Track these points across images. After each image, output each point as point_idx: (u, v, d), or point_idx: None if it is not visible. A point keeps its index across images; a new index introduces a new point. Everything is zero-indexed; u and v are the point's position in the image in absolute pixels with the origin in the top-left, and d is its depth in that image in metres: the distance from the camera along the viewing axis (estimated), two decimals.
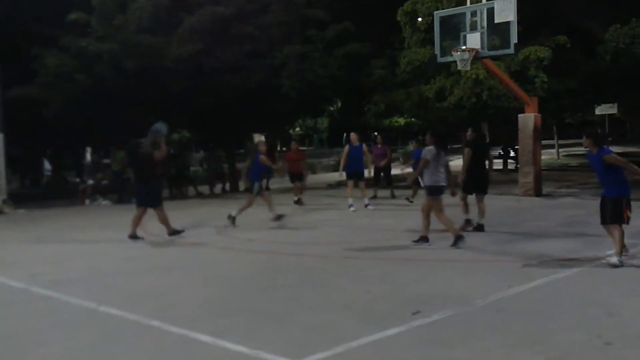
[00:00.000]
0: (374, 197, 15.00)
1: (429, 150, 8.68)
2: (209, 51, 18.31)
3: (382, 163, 15.86)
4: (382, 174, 16.10)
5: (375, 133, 28.38)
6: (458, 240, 8.50)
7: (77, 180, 20.12)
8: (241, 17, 19.00)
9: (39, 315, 5.89)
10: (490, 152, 11.01)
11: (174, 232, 10.27)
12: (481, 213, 9.94)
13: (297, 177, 15.64)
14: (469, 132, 10.45)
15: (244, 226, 11.46)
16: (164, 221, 10.20)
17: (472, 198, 10.10)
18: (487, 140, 12.12)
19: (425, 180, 8.78)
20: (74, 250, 9.76)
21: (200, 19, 17.93)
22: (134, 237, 10.06)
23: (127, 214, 11.35)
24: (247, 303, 6.05)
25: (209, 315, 5.65)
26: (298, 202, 15.12)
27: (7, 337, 5.26)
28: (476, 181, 9.94)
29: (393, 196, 15.43)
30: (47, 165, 26.33)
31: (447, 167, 8.82)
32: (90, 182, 17.37)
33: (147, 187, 10.08)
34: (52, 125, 17.57)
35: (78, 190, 18.06)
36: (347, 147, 13.96)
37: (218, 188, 20.31)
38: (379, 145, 16.47)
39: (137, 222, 10.10)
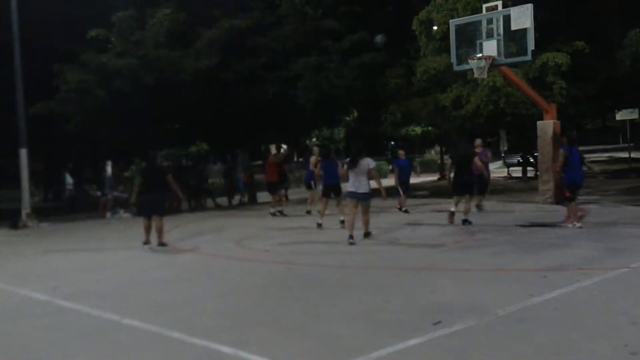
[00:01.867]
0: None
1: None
2: (226, 64, 18.48)
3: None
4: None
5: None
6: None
7: (99, 193, 20.37)
8: (257, 30, 19.17)
9: (62, 327, 5.95)
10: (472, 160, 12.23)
11: (163, 244, 10.61)
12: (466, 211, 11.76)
13: (274, 187, 15.58)
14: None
15: (260, 237, 11.50)
16: (160, 230, 10.60)
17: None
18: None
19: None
20: (96, 262, 9.87)
21: (217, 33, 18.11)
22: (162, 244, 10.58)
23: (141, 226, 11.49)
24: (266, 314, 6.06)
25: (229, 326, 5.67)
26: (280, 212, 15.28)
27: (31, 349, 5.32)
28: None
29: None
30: (68, 179, 26.69)
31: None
32: (112, 194, 17.56)
33: (160, 196, 10.74)
34: (73, 139, 17.85)
35: (99, 203, 18.28)
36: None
37: (237, 199, 20.41)
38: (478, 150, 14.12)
39: (161, 230, 10.60)
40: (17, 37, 16.02)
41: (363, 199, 10.06)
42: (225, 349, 4.95)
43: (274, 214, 15.14)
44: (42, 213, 17.73)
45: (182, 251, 10.44)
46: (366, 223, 10.36)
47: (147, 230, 10.65)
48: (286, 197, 19.50)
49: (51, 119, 17.15)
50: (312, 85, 19.19)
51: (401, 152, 15.39)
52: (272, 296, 6.83)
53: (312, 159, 14.17)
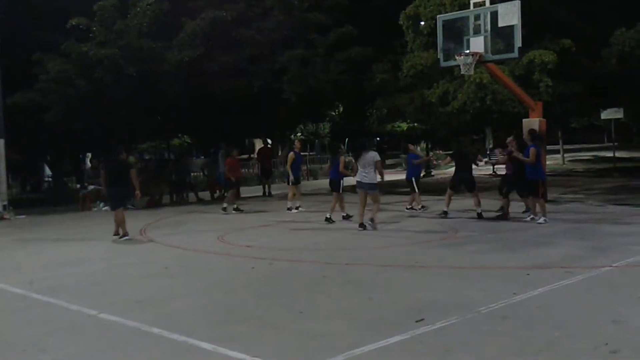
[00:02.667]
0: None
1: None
2: (210, 55, 18.25)
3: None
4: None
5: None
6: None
7: (78, 186, 20.04)
8: (242, 21, 18.95)
9: (39, 322, 5.82)
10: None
11: (125, 235, 10.84)
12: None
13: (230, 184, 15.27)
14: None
15: (242, 232, 11.40)
16: (122, 222, 10.83)
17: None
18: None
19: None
20: (74, 256, 9.69)
21: (201, 24, 17.87)
22: (125, 235, 10.85)
23: (129, 218, 11.32)
24: (247, 310, 5.97)
25: (209, 322, 5.57)
26: (237, 209, 14.90)
27: (8, 343, 5.19)
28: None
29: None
30: (47, 171, 26.28)
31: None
32: (91, 187, 17.28)
33: (123, 190, 10.99)
34: (52, 130, 17.49)
35: (78, 195, 17.99)
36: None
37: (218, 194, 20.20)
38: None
39: (123, 221, 10.89)
40: None
41: (369, 188, 10.85)
42: (205, 345, 4.86)
43: (231, 210, 14.72)
44: (20, 205, 17.42)
45: (163, 246, 10.29)
46: (374, 211, 11.05)
47: (123, 221, 10.95)
48: (269, 192, 19.41)
49: (30, 110, 16.78)
50: (298, 79, 19.03)
51: (412, 147, 15.02)
52: (254, 292, 6.74)
53: (342, 158, 12.46)
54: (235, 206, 14.96)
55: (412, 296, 6.27)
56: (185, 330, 5.27)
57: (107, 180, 11.12)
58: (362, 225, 10.93)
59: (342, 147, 14.16)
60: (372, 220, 10.96)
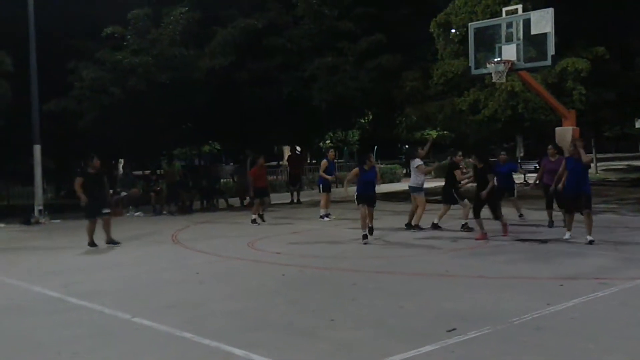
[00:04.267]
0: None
1: None
2: (240, 63, 18.45)
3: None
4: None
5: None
6: None
7: (111, 191, 20.36)
8: (273, 29, 19.12)
9: (73, 325, 5.93)
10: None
11: (93, 244, 10.91)
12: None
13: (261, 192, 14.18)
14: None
15: (272, 239, 11.45)
16: (91, 233, 11.00)
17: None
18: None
19: None
20: (108, 260, 9.87)
21: (233, 32, 18.09)
22: (92, 244, 10.90)
23: (161, 224, 11.46)
24: (277, 317, 5.99)
25: (240, 328, 5.61)
26: (255, 221, 13.85)
27: (42, 346, 5.30)
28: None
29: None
30: None
31: None
32: (123, 194, 17.55)
33: (97, 201, 11.03)
34: (86, 137, 17.85)
35: (111, 201, 18.27)
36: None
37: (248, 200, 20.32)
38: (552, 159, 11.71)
39: (92, 232, 11.01)
40: (34, 34, 16.10)
41: (412, 190, 11.97)
42: (237, 351, 4.89)
43: (259, 219, 13.90)
44: (55, 210, 17.77)
45: (194, 251, 10.40)
46: (412, 215, 11.90)
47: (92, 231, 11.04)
48: (299, 199, 19.45)
49: (64, 116, 17.17)
50: (327, 86, 19.10)
51: (503, 156, 13.28)
52: (284, 299, 6.76)
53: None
54: (254, 217, 13.91)
55: (443, 305, 6.22)
56: (216, 335, 5.31)
57: (83, 191, 10.90)
58: (409, 226, 11.81)
59: (371, 155, 13.68)
60: (414, 224, 11.68)
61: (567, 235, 10.13)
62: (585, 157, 9.87)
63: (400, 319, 5.77)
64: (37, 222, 15.76)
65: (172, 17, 17.46)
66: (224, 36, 18.09)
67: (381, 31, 19.74)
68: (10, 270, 9.23)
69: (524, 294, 6.61)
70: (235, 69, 18.38)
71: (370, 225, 10.73)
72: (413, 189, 11.94)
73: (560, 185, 10.27)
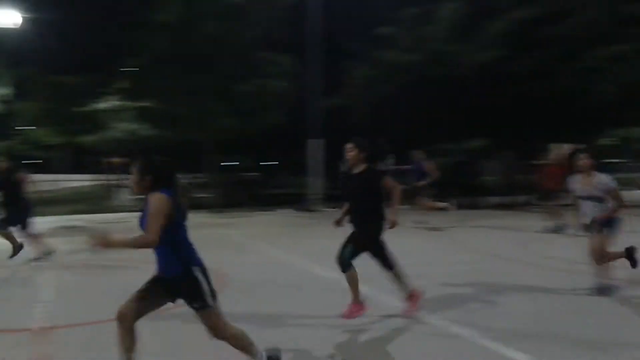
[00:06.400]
0: None
1: None
2: (511, 56, 17.63)
3: None
4: None
5: None
6: None
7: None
8: (549, 19, 17.88)
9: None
10: None
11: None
12: None
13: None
14: None
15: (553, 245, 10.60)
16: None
17: None
18: None
19: None
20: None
21: (505, 24, 17.37)
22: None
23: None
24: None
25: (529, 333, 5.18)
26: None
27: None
28: None
29: None
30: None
31: None
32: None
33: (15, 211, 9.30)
34: (357, 131, 18.87)
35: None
36: None
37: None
38: None
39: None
40: (318, 40, 17.62)
41: None
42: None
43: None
44: (327, 199, 19.10)
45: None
46: None
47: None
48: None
49: (337, 112, 18.36)
50: (612, 77, 17.15)
51: None
52: (569, 308, 6.09)
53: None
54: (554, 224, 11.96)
55: None
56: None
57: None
58: None
59: None
60: None
61: None
62: None
63: None
64: (313, 210, 17.11)
65: (442, 14, 17.46)
66: (495, 29, 17.50)
67: None
68: (290, 251, 10.09)
69: None
70: (505, 62, 17.61)
71: None
72: None
73: None
